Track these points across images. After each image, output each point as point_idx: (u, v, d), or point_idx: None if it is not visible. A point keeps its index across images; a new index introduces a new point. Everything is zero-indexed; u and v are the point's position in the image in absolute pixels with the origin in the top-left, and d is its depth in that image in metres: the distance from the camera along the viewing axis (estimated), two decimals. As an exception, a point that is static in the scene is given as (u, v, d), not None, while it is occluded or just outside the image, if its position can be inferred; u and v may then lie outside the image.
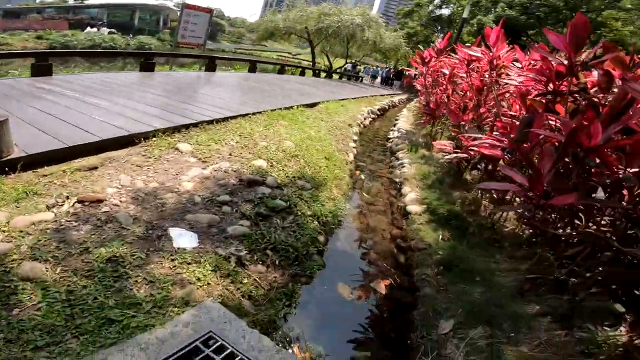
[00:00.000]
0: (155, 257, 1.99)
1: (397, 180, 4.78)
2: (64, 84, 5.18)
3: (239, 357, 1.48)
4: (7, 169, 2.54)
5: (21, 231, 1.95)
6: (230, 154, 3.70)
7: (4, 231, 1.92)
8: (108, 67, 14.19)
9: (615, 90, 2.03)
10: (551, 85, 2.52)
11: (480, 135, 3.17)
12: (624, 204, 1.83)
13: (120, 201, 2.47)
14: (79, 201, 2.34)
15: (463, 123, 4.24)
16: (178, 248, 2.11)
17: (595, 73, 2.30)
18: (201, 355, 1.46)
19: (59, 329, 1.45)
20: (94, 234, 2.06)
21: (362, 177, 5.12)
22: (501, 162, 3.02)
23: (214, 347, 1.51)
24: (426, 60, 6.98)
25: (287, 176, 3.55)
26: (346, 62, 24.13)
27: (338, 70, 22.84)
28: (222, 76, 9.50)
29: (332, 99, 9.14)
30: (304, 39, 22.44)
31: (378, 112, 11.02)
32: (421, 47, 9.47)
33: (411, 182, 4.40)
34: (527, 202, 2.09)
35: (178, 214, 2.48)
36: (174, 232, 2.23)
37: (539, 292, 2.12)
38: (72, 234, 2.02)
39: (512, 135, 2.57)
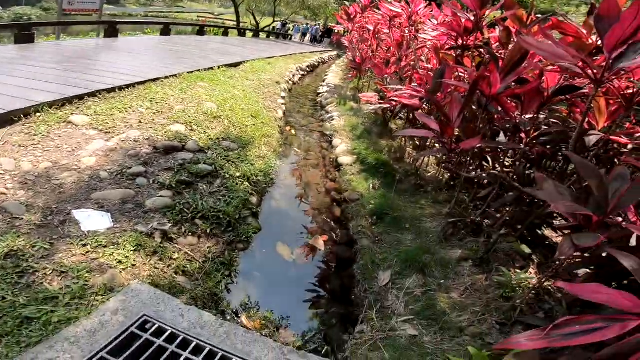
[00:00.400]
0: (62, 245, 1.77)
1: (328, 133, 4.85)
2: None
3: (181, 337, 1.42)
4: None
5: None
6: (140, 122, 3.33)
7: None
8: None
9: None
10: (460, 40, 2.67)
11: (400, 87, 3.29)
12: (522, 146, 2.05)
13: (6, 188, 2.11)
14: (-50, 194, 1.93)
15: (386, 76, 4.37)
16: (88, 231, 1.89)
17: (497, 30, 2.48)
18: (140, 341, 1.37)
19: (-26, 334, 1.28)
20: (-21, 230, 1.74)
21: (293, 132, 5.08)
22: (420, 111, 3.20)
23: (152, 330, 1.42)
24: (352, 17, 6.88)
25: (210, 139, 3.34)
26: (274, 21, 22.75)
27: (266, 29, 21.47)
28: (126, 41, 8.20)
29: (258, 58, 8.62)
30: (226, -3, 20.35)
31: (307, 69, 10.82)
32: (348, 4, 9.27)
33: (341, 134, 4.49)
34: (442, 147, 2.26)
35: (82, 194, 2.21)
36: (79, 214, 1.98)
37: (460, 235, 2.32)
38: (-49, 233, 1.69)
39: (428, 86, 2.71)
